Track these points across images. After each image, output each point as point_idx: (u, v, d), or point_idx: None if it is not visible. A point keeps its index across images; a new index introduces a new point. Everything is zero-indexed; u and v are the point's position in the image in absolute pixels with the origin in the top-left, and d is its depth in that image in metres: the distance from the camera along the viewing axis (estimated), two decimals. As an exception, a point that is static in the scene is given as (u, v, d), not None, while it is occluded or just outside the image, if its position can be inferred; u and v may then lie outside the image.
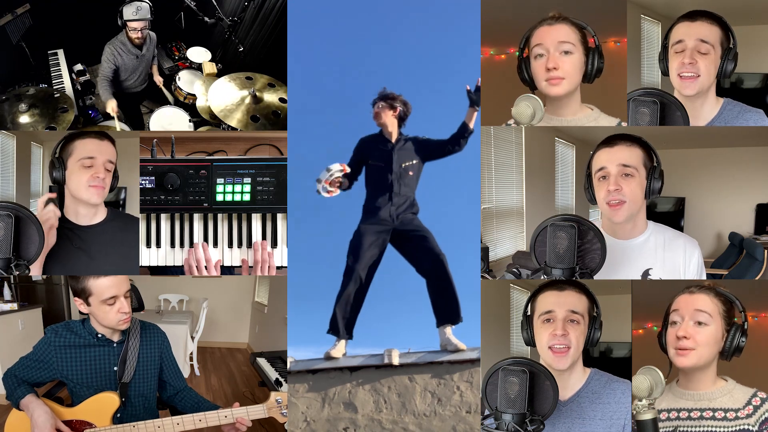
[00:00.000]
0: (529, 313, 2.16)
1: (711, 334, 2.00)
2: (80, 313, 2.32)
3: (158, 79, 3.28)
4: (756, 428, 1.96)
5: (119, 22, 3.08)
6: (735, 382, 2.05)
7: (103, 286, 2.22)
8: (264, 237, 2.54)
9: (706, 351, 2.01)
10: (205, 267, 2.38)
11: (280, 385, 3.11)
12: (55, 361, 2.29)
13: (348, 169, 2.51)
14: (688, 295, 2.05)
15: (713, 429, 2.00)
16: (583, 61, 2.25)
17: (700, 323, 2.01)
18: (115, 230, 2.41)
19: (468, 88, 2.47)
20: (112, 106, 3.05)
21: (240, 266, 2.50)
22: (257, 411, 2.26)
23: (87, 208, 2.36)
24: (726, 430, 1.98)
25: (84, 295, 2.24)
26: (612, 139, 2.08)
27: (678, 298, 2.07)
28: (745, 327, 2.02)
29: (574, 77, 2.24)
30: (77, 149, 2.30)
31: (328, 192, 2.52)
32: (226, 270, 2.52)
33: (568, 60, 2.21)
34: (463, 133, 2.52)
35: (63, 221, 2.34)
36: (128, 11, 3.08)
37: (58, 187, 2.34)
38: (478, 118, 2.53)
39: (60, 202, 2.35)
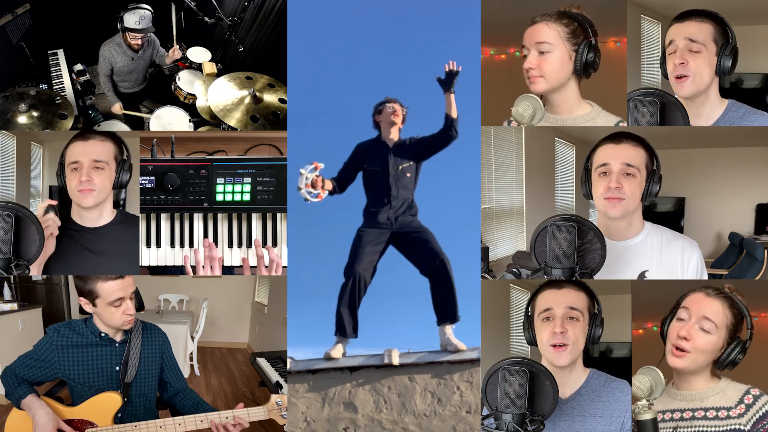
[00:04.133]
0: (530, 313, 2.16)
1: (712, 343, 1.98)
2: (80, 312, 2.32)
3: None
4: (748, 428, 1.94)
5: (119, 26, 3.07)
6: (729, 379, 2.04)
7: (111, 289, 2.22)
8: (264, 237, 2.55)
9: (701, 357, 1.99)
10: (210, 266, 2.37)
11: (281, 387, 3.11)
12: (57, 361, 2.29)
13: (321, 165, 2.46)
14: (703, 296, 2.02)
15: (705, 429, 1.98)
16: (566, 57, 2.24)
17: (704, 330, 1.99)
18: (124, 232, 2.40)
19: (437, 77, 2.45)
20: (119, 106, 3.06)
21: (241, 266, 2.49)
22: (258, 413, 2.27)
23: (89, 211, 2.33)
24: (718, 429, 1.97)
25: (91, 296, 2.24)
26: (618, 136, 2.07)
27: (692, 296, 2.03)
28: (747, 345, 1.99)
29: (552, 75, 2.23)
30: (67, 154, 2.30)
31: (317, 197, 2.45)
32: (227, 270, 2.52)
33: (544, 59, 2.22)
34: (448, 124, 2.47)
35: (68, 223, 2.33)
36: (130, 20, 3.05)
37: (60, 192, 2.33)
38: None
39: (66, 206, 2.34)
